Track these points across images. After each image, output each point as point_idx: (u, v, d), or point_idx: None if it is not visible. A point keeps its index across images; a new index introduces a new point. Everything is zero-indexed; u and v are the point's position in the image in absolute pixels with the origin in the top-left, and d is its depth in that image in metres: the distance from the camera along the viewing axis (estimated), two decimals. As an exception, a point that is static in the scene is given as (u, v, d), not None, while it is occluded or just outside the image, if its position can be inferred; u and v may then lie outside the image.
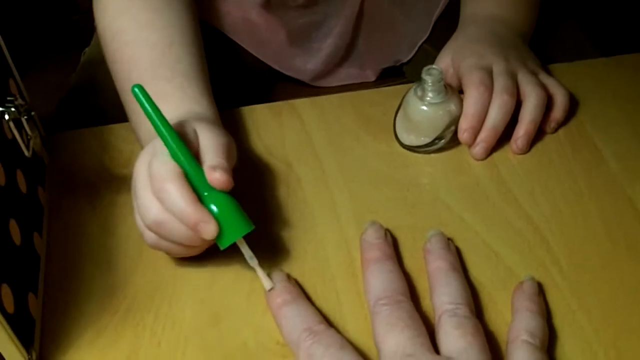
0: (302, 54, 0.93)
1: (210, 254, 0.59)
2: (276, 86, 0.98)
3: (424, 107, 0.66)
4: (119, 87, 0.69)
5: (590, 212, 0.63)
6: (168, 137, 0.54)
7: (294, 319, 0.53)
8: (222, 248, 0.54)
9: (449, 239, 0.60)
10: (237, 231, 0.54)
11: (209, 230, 0.52)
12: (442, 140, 0.68)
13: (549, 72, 0.75)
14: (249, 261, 0.55)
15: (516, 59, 0.72)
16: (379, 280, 0.55)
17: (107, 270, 0.59)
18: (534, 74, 0.71)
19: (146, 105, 0.54)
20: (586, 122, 0.72)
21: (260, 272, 0.55)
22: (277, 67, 0.94)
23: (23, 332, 0.51)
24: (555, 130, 0.71)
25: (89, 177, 0.67)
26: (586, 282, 0.57)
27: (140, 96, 0.54)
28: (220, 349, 0.53)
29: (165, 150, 0.54)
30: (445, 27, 0.90)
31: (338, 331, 0.52)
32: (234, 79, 0.92)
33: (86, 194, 0.65)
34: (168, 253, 0.58)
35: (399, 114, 0.70)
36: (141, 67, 0.66)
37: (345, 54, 0.94)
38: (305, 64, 0.94)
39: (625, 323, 0.55)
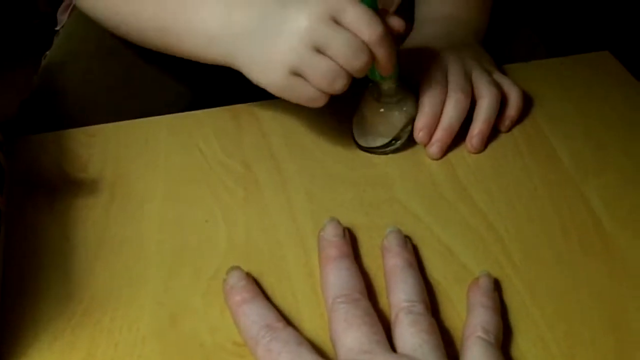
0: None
1: (165, 255, 0.59)
2: (237, 87, 0.98)
3: (381, 109, 0.67)
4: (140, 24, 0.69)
5: (545, 209, 0.64)
6: None
7: (253, 316, 0.53)
8: None
9: (406, 236, 0.60)
10: None
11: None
12: (399, 141, 0.69)
13: (503, 72, 0.76)
14: None
15: (471, 58, 0.73)
16: (337, 278, 0.55)
17: (65, 274, 0.59)
18: (489, 73, 0.72)
19: None
20: (541, 120, 0.73)
21: None
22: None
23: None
24: (510, 128, 0.72)
25: (47, 181, 0.67)
26: (540, 278, 0.58)
27: None
28: (177, 350, 0.53)
29: None
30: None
31: (296, 329, 0.52)
32: (195, 75, 0.92)
33: (45, 197, 0.65)
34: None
35: (356, 116, 0.70)
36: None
37: None
38: None
39: (577, 317, 0.55)
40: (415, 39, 0.78)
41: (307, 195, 0.66)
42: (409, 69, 0.73)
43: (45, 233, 0.62)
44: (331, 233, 0.59)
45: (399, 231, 0.60)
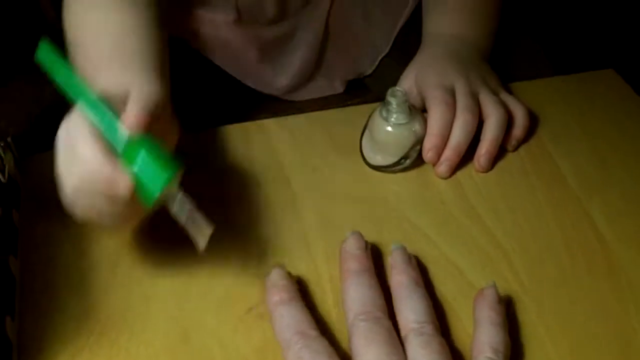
0: (272, 69, 0.95)
1: (180, 270, 0.61)
2: (247, 100, 0.99)
3: (389, 128, 0.68)
4: (67, 33, 0.68)
5: (550, 227, 0.65)
6: (78, 92, 0.53)
7: (288, 319, 0.55)
8: (154, 196, 0.51)
9: (412, 255, 0.61)
10: (162, 176, 0.51)
11: (120, 189, 0.50)
12: (408, 160, 0.70)
13: (509, 90, 0.77)
14: (178, 212, 0.54)
15: (477, 78, 0.74)
16: (358, 294, 0.56)
17: (81, 292, 0.60)
18: (495, 93, 0.73)
19: (53, 62, 0.53)
20: (545, 139, 0.74)
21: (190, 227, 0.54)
22: (248, 83, 0.95)
23: (1, 356, 0.52)
24: (516, 147, 0.73)
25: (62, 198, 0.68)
26: (546, 295, 0.59)
27: (46, 53, 0.52)
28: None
29: (79, 110, 0.53)
30: (406, 42, 0.93)
31: (328, 340, 0.53)
32: (203, 93, 0.93)
33: (59, 215, 0.66)
34: (104, 223, 0.56)
35: (365, 135, 0.72)
36: (98, 54, 0.65)
37: (314, 67, 0.96)
38: (276, 79, 0.96)
39: (582, 334, 0.57)
40: (422, 57, 0.79)
41: (317, 212, 0.67)
42: (417, 87, 0.75)
43: (60, 250, 0.64)
44: (354, 246, 0.60)
45: (404, 248, 0.61)
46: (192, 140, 0.75)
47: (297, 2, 0.90)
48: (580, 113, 0.78)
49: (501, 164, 0.72)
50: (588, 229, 0.65)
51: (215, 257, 0.63)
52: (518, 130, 0.72)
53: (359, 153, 0.72)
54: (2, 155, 0.59)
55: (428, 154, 0.69)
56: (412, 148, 0.69)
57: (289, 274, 0.59)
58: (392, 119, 0.68)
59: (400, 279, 0.58)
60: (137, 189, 0.51)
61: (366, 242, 0.61)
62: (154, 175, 0.51)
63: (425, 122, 0.69)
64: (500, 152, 0.72)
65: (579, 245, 0.64)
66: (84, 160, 0.51)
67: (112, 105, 0.53)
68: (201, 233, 0.53)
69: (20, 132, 0.87)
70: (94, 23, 0.67)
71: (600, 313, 0.58)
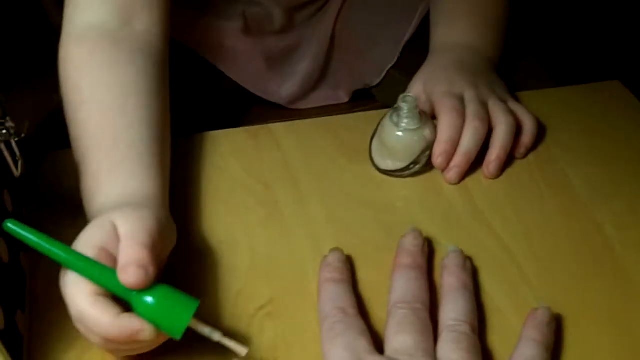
0: (278, 77, 0.96)
1: (188, 276, 0.60)
2: (252, 109, 1.00)
3: (400, 133, 0.69)
4: (72, 145, 0.65)
5: (558, 234, 0.66)
6: (66, 260, 0.51)
7: (332, 295, 0.57)
8: (177, 338, 0.51)
9: (467, 257, 0.62)
10: (184, 315, 0.51)
11: (146, 337, 0.50)
12: (417, 165, 0.70)
13: (517, 99, 0.78)
14: (211, 337, 0.52)
15: (485, 86, 0.75)
16: (403, 285, 0.57)
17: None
18: (503, 101, 0.74)
19: (28, 236, 0.51)
20: (554, 147, 0.75)
21: (227, 343, 0.52)
22: (254, 91, 0.96)
23: (12, 348, 0.52)
24: (525, 155, 0.74)
25: (71, 196, 0.68)
26: (556, 301, 0.59)
27: (18, 230, 0.51)
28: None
29: (72, 273, 0.51)
30: (412, 53, 0.93)
31: (367, 322, 0.55)
32: (210, 101, 0.94)
33: (68, 213, 0.66)
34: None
35: (374, 140, 0.72)
36: (88, 134, 0.63)
37: (319, 77, 0.97)
38: (281, 88, 0.96)
39: (593, 339, 0.57)
40: (431, 66, 0.80)
41: (327, 216, 0.67)
42: (425, 94, 0.75)
43: (69, 245, 0.63)
44: (411, 243, 0.61)
45: (460, 251, 0.61)
46: (200, 141, 0.76)
47: (304, 13, 0.91)
48: (587, 123, 0.78)
49: (510, 171, 0.72)
50: (596, 237, 0.65)
51: (225, 258, 0.63)
52: (527, 138, 0.73)
53: (368, 158, 0.73)
54: (16, 150, 0.59)
55: (438, 160, 0.69)
56: (421, 153, 0.70)
57: (347, 258, 0.61)
58: (403, 124, 0.68)
59: (450, 280, 0.58)
60: (161, 327, 0.51)
61: (424, 240, 0.62)
62: (178, 308, 0.51)
63: (435, 128, 0.70)
64: (508, 159, 0.72)
65: (587, 252, 0.64)
66: (94, 325, 0.49)
67: (104, 251, 0.52)
68: (236, 352, 0.53)
69: (28, 135, 0.88)
70: (89, 85, 0.65)
71: (609, 318, 0.59)
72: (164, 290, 0.51)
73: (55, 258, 0.51)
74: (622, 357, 0.56)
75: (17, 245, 0.59)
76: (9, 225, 0.51)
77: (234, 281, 0.61)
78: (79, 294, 0.50)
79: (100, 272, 0.50)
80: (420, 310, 0.55)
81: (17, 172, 0.58)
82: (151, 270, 0.50)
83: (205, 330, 0.52)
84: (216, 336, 0.52)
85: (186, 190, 0.70)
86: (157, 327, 0.50)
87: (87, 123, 0.64)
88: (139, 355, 0.54)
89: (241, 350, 0.52)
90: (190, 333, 0.51)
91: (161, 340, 0.52)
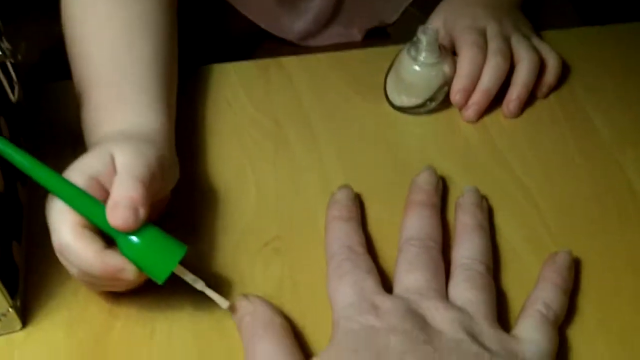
0: (289, 13, 0.92)
1: (193, 209, 0.58)
2: (261, 45, 0.97)
3: (417, 68, 0.65)
4: (74, 78, 0.63)
5: (580, 177, 0.63)
6: (52, 186, 0.48)
7: (340, 234, 0.54)
8: (160, 283, 0.49)
9: (483, 196, 0.59)
10: (170, 261, 0.48)
11: (128, 277, 0.47)
12: (434, 102, 0.67)
13: (541, 38, 0.74)
14: (195, 285, 0.50)
15: (509, 22, 0.72)
16: (415, 222, 0.55)
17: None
18: (527, 38, 0.71)
19: (15, 156, 0.48)
20: (578, 88, 0.72)
21: (210, 293, 0.50)
22: (264, 27, 0.93)
23: (8, 280, 0.50)
24: (547, 95, 0.71)
25: (71, 127, 0.66)
26: (575, 245, 0.56)
27: (5, 148, 0.48)
28: (204, 300, 0.53)
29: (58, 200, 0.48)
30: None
31: (374, 260, 0.53)
32: (219, 36, 0.91)
33: (67, 144, 0.64)
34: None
35: (390, 74, 0.69)
36: (92, 68, 0.60)
37: (332, 14, 0.93)
38: (292, 24, 0.93)
39: (611, 285, 0.55)
40: (452, 1, 0.76)
41: (338, 153, 0.65)
42: (445, 29, 0.72)
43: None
44: (425, 180, 0.59)
45: (476, 190, 0.59)
46: (208, 73, 0.73)
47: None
48: (613, 64, 0.75)
49: (531, 110, 0.69)
50: (620, 181, 0.62)
51: (233, 194, 0.61)
52: (550, 77, 0.70)
53: (383, 94, 0.70)
54: (12, 73, 0.56)
55: (456, 96, 0.66)
56: (439, 89, 0.66)
57: (356, 196, 0.59)
58: (421, 58, 0.65)
59: (465, 219, 0.56)
60: (144, 270, 0.48)
61: (438, 179, 0.59)
62: (164, 252, 0.49)
63: (454, 63, 0.67)
64: (529, 99, 0.69)
65: (609, 196, 0.61)
66: (77, 257, 0.47)
67: (95, 181, 0.49)
68: (219, 302, 0.50)
69: (32, 65, 0.85)
70: (95, 20, 0.62)
71: (629, 264, 0.56)
72: (152, 233, 0.49)
73: (43, 183, 0.48)
74: (641, 303, 0.53)
75: (14, 176, 0.57)
76: None
77: (240, 217, 0.59)
78: (64, 224, 0.47)
79: (88, 204, 0.48)
80: (433, 249, 0.53)
81: (13, 97, 0.55)
82: (142, 212, 0.47)
83: (189, 278, 0.50)
84: (199, 285, 0.50)
85: (193, 124, 0.68)
86: (141, 269, 0.48)
87: (90, 57, 0.61)
88: (116, 292, 0.53)
89: (223, 302, 0.50)
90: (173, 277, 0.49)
91: (141, 281, 0.50)
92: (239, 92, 0.71)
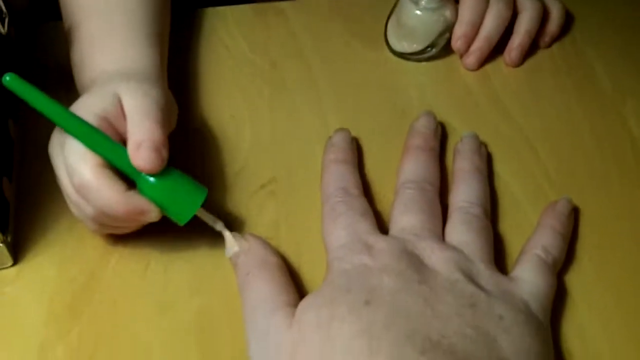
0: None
1: (189, 149, 0.57)
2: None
3: (418, 12, 0.64)
4: (63, 14, 0.61)
5: (581, 127, 0.62)
6: (71, 127, 0.46)
7: (336, 176, 0.54)
8: (181, 224, 0.49)
9: (482, 143, 0.59)
10: (191, 203, 0.48)
11: (151, 218, 0.47)
12: (435, 49, 0.66)
13: (545, -14, 0.73)
14: (214, 226, 0.50)
15: (513, -31, 0.70)
16: (412, 165, 0.54)
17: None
18: (531, -14, 0.69)
19: (30, 93, 0.46)
20: (580, 39, 0.70)
21: (227, 235, 0.50)
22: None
23: (-3, 215, 0.50)
24: (549, 45, 0.69)
25: (63, 67, 0.64)
26: (574, 192, 0.56)
27: (18, 85, 0.45)
28: (198, 233, 0.52)
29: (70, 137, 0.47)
30: None
31: (369, 202, 0.52)
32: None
33: (61, 84, 0.62)
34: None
35: (391, 20, 0.68)
36: (82, 1, 0.58)
37: None
38: None
39: (609, 231, 0.54)
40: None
41: (336, 97, 0.64)
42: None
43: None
44: (423, 125, 0.58)
45: (475, 136, 0.58)
46: (204, 16, 0.72)
47: None
48: (617, 15, 0.73)
49: (532, 60, 0.68)
50: (620, 130, 0.62)
51: (229, 135, 0.60)
52: (553, 26, 0.69)
53: (382, 40, 0.68)
54: (2, 4, 0.54)
55: (457, 43, 0.65)
56: (440, 35, 0.65)
57: (353, 140, 0.58)
58: (422, 2, 0.64)
59: (463, 164, 0.55)
60: (166, 212, 0.48)
61: (437, 124, 0.59)
62: (185, 194, 0.48)
63: (456, 9, 0.65)
64: (531, 48, 0.68)
65: (610, 146, 0.60)
66: (98, 197, 0.45)
67: (106, 121, 0.48)
68: (229, 245, 0.50)
69: (21, 11, 0.84)
70: None
71: (628, 213, 0.56)
72: (174, 175, 0.48)
73: (59, 122, 0.46)
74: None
75: (5, 113, 0.56)
76: (8, 79, 0.45)
77: (235, 159, 0.58)
78: (85, 164, 0.46)
79: (107, 145, 0.46)
80: (429, 191, 0.52)
81: (3, 30, 0.53)
82: (164, 152, 0.47)
83: (209, 219, 0.50)
84: (219, 226, 0.50)
85: (189, 67, 0.67)
86: (163, 210, 0.47)
87: None
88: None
89: (234, 248, 0.49)
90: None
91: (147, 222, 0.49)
92: (236, 36, 0.70)
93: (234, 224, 0.54)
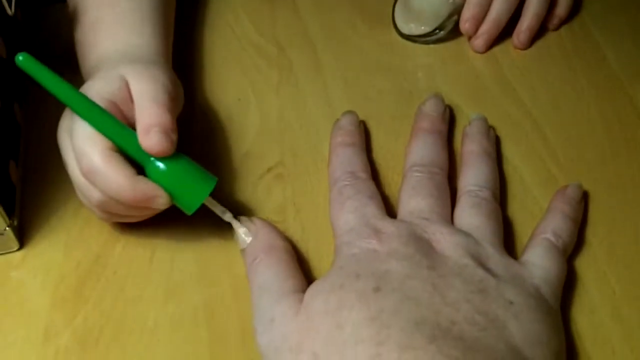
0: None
1: (195, 133, 0.57)
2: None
3: (426, -5, 0.64)
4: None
5: (590, 109, 0.61)
6: (82, 109, 0.46)
7: (343, 159, 0.53)
8: (189, 214, 0.48)
9: (491, 126, 0.58)
10: (200, 192, 0.48)
11: (160, 204, 0.46)
12: (443, 31, 0.66)
13: (553, -31, 0.72)
14: (223, 217, 0.49)
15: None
16: (420, 148, 0.54)
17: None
18: (540, -32, 0.68)
19: (42, 73, 0.45)
20: (589, 21, 0.70)
21: (236, 226, 0.49)
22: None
23: (4, 199, 0.49)
24: (558, 27, 0.69)
25: (70, 50, 0.64)
26: (583, 176, 0.55)
27: (31, 65, 0.45)
28: (203, 220, 0.52)
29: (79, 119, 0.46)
30: None
31: (376, 186, 0.52)
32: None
33: (66, 64, 0.62)
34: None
35: (398, 2, 0.67)
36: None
37: None
38: None
39: (620, 217, 0.53)
40: None
41: (343, 81, 0.63)
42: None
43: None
44: (431, 108, 0.57)
45: (484, 119, 0.58)
46: (212, 0, 0.71)
47: None
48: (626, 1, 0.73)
49: (540, 43, 0.67)
50: (630, 114, 0.61)
51: (235, 118, 0.60)
52: (562, 9, 0.68)
53: (390, 23, 0.68)
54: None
55: (466, 25, 0.65)
56: (448, 18, 0.65)
57: (360, 123, 0.57)
58: (430, -15, 0.63)
59: (471, 147, 0.55)
60: (174, 199, 0.47)
61: (445, 107, 0.58)
62: (195, 182, 0.47)
63: (464, -9, 0.65)
64: (540, 31, 0.67)
65: (619, 129, 0.60)
66: (107, 182, 0.45)
67: (114, 105, 0.47)
68: (238, 239, 0.50)
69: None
70: None
71: (639, 197, 0.55)
72: (183, 162, 0.47)
73: (69, 103, 0.46)
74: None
75: (11, 97, 0.55)
76: (21, 59, 0.45)
77: (242, 142, 0.58)
78: (94, 147, 0.45)
79: (116, 128, 0.46)
80: (438, 175, 0.51)
81: (10, 11, 0.53)
82: (174, 136, 0.46)
83: (218, 209, 0.49)
84: (227, 216, 0.50)
85: (194, 50, 0.66)
86: (171, 199, 0.47)
87: None
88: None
89: (243, 241, 0.49)
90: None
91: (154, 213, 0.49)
92: (242, 19, 0.70)
93: (241, 208, 0.53)
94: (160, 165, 0.46)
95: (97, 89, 0.48)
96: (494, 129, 0.58)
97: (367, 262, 0.44)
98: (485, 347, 0.39)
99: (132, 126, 0.47)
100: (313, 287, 0.44)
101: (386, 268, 0.43)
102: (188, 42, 0.66)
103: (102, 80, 0.49)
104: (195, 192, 0.47)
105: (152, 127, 0.46)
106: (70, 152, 0.47)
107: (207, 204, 0.49)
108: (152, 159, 0.46)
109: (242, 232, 0.49)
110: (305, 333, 0.41)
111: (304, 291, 0.44)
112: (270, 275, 0.46)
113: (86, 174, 0.46)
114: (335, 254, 0.47)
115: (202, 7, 0.70)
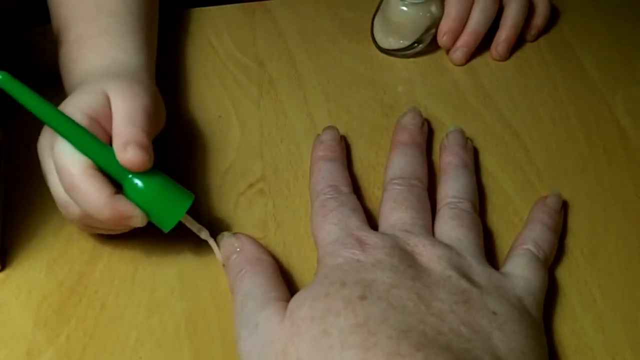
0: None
1: (177, 149, 0.57)
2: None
3: (404, 8, 0.64)
4: (51, 16, 0.61)
5: (569, 118, 0.62)
6: (62, 128, 0.46)
7: (325, 173, 0.53)
8: (166, 231, 0.48)
9: (468, 138, 0.58)
10: (176, 210, 0.48)
11: (136, 223, 0.47)
12: (421, 44, 0.66)
13: (531, -20, 0.73)
14: (199, 234, 0.50)
15: (499, -36, 0.70)
16: (399, 161, 0.54)
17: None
18: (517, -20, 0.69)
19: (22, 93, 0.45)
20: (567, 31, 0.70)
21: (212, 244, 0.50)
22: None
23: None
24: (536, 38, 0.69)
25: (53, 70, 0.64)
26: (563, 186, 0.56)
27: (12, 84, 0.45)
28: (188, 233, 0.52)
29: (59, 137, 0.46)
30: None
31: (359, 200, 0.52)
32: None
33: (50, 85, 0.62)
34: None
35: (377, 16, 0.67)
36: (69, 3, 0.58)
37: None
38: None
39: (601, 222, 0.54)
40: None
41: (324, 95, 0.64)
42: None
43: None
44: (409, 121, 0.58)
45: (461, 131, 0.58)
46: (192, 17, 0.71)
47: None
48: (604, 6, 0.73)
49: (519, 53, 0.68)
50: (610, 123, 0.62)
51: (217, 135, 0.60)
52: (539, 20, 0.68)
53: (369, 36, 0.68)
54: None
55: (444, 38, 0.65)
56: (426, 31, 0.65)
57: (342, 138, 0.58)
58: (408, -1, 0.64)
59: (450, 159, 0.55)
60: (151, 217, 0.47)
61: (423, 120, 0.58)
62: (172, 200, 0.48)
63: (442, 4, 0.65)
64: (518, 42, 0.68)
65: (599, 138, 0.60)
66: (86, 199, 0.45)
67: (95, 121, 0.47)
68: (217, 255, 0.50)
69: (9, 12, 0.83)
70: None
71: (618, 205, 0.55)
72: (160, 180, 0.47)
73: (49, 121, 0.46)
74: (631, 245, 0.53)
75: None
76: (1, 78, 0.45)
77: (223, 158, 0.58)
78: (75, 166, 0.45)
79: (95, 146, 0.46)
80: (417, 187, 0.52)
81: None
82: (151, 152, 0.47)
83: (195, 227, 0.50)
84: (204, 234, 0.50)
85: (176, 67, 0.66)
86: (148, 215, 0.47)
87: None
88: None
89: (221, 257, 0.50)
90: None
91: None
92: (223, 36, 0.70)
93: (223, 224, 0.53)
94: (138, 183, 0.46)
95: (78, 103, 0.48)
96: (471, 140, 0.58)
97: (352, 271, 0.44)
98: (472, 359, 0.40)
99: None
100: (297, 295, 0.44)
101: (371, 277, 0.43)
102: (169, 58, 0.66)
103: (84, 94, 0.49)
104: (172, 210, 0.48)
105: (129, 143, 0.46)
106: (51, 168, 0.47)
107: (184, 221, 0.49)
108: (129, 176, 0.46)
109: (217, 250, 0.49)
110: (290, 338, 0.41)
111: (287, 301, 0.44)
112: (255, 284, 0.46)
113: (68, 190, 0.46)
114: (319, 264, 0.47)
115: (183, 25, 0.70)
